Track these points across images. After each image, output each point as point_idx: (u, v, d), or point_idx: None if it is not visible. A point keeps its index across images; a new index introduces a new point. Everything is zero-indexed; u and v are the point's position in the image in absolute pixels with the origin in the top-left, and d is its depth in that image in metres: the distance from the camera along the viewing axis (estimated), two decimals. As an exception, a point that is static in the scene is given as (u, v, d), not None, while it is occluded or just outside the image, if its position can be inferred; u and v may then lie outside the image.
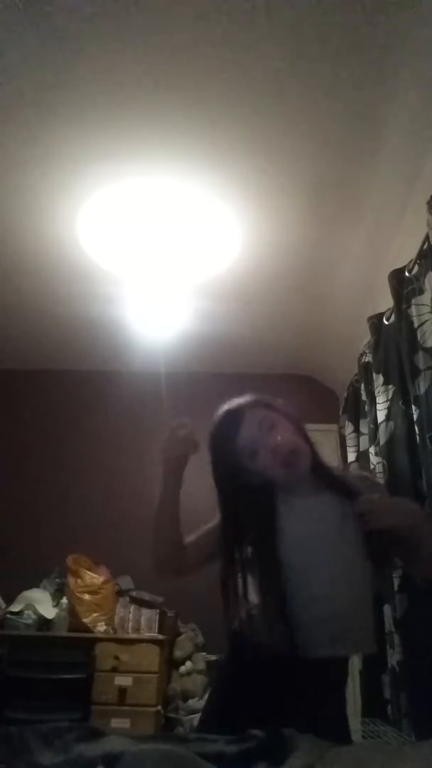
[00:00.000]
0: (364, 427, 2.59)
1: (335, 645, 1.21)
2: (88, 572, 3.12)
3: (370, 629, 1.28)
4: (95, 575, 3.12)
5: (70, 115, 1.97)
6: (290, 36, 1.68)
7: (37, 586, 3.21)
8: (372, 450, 2.34)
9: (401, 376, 1.97)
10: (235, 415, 1.31)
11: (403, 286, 1.94)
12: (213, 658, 2.97)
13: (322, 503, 1.29)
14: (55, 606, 3.10)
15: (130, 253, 2.69)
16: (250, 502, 1.28)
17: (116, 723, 2.61)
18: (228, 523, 1.31)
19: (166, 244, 2.62)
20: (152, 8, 1.62)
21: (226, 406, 1.35)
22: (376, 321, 2.32)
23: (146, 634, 2.93)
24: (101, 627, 2.95)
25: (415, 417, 1.82)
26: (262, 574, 1.25)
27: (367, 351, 2.51)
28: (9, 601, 3.11)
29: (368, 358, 2.47)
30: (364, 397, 2.53)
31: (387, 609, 2.05)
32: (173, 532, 1.35)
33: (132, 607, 3.06)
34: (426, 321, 1.76)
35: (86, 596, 3.01)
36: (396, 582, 1.90)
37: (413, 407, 1.84)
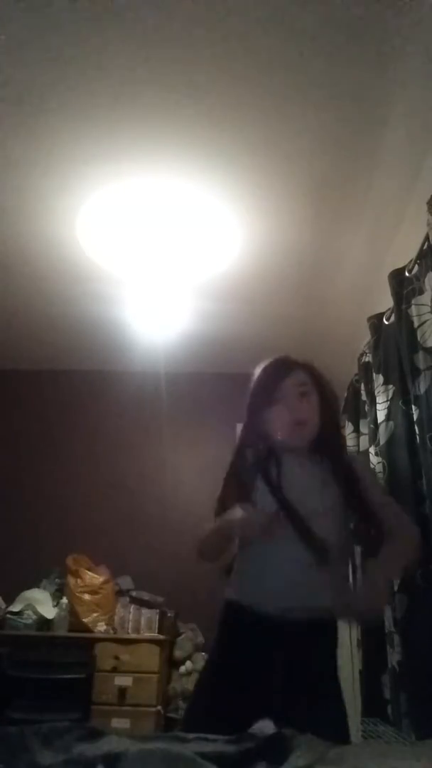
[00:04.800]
0: (364, 427, 2.58)
1: (297, 595, 1.28)
2: (88, 572, 3.12)
3: (347, 591, 1.40)
4: (95, 575, 3.12)
5: (70, 115, 1.97)
6: (290, 36, 1.68)
7: (37, 586, 3.21)
8: (372, 450, 2.33)
9: (401, 376, 1.97)
10: (285, 367, 1.47)
11: (403, 286, 1.94)
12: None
13: (312, 469, 1.40)
14: (55, 606, 3.10)
15: (130, 253, 2.69)
16: (255, 446, 1.43)
17: (116, 723, 2.62)
18: (237, 461, 1.44)
19: (166, 244, 2.62)
20: (153, 9, 1.62)
21: (284, 356, 1.52)
22: (376, 321, 2.32)
23: (146, 634, 2.93)
24: (101, 627, 2.95)
25: (415, 417, 1.82)
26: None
27: (367, 351, 2.51)
28: (9, 601, 3.11)
29: (368, 358, 2.46)
30: (364, 397, 2.53)
31: (387, 609, 2.05)
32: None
33: (132, 607, 3.06)
34: (426, 321, 1.76)
35: (86, 596, 3.01)
36: (396, 582, 1.90)
37: (413, 407, 1.84)
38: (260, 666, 1.23)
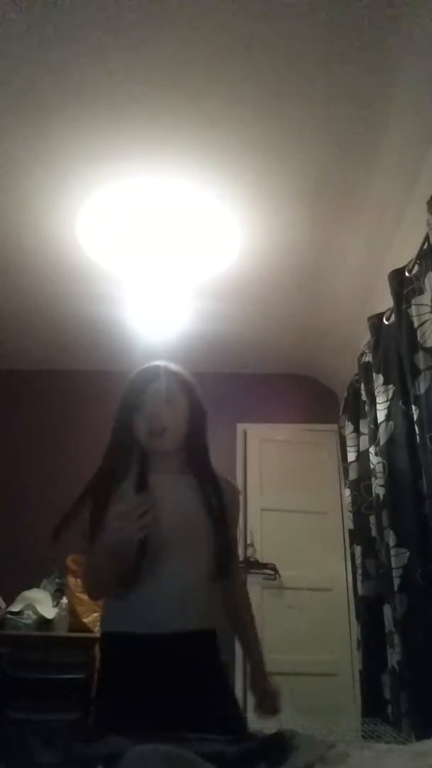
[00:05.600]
0: (364, 427, 2.59)
1: (185, 619, 1.26)
2: (88, 572, 3.12)
3: (215, 606, 1.36)
4: (95, 575, 3.12)
5: (70, 115, 1.97)
6: (290, 36, 1.68)
7: (37, 586, 3.21)
8: (372, 450, 2.34)
9: (401, 376, 1.97)
10: (153, 373, 1.44)
11: (403, 286, 1.94)
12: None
13: (182, 483, 1.38)
14: (55, 606, 3.09)
15: (130, 253, 2.69)
16: (125, 457, 1.39)
17: (116, 723, 2.61)
18: (102, 472, 1.43)
19: (166, 244, 2.62)
20: (152, 9, 1.62)
21: (154, 363, 1.47)
22: (376, 321, 2.32)
23: (146, 634, 2.93)
24: (101, 627, 2.94)
25: (415, 417, 1.82)
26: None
27: (367, 351, 2.51)
28: (9, 601, 3.11)
29: (368, 358, 2.47)
30: (364, 397, 2.53)
31: (387, 609, 2.05)
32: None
33: (132, 607, 3.05)
34: (426, 321, 1.76)
35: (86, 596, 3.01)
36: (396, 582, 1.90)
37: (413, 407, 1.84)
38: (147, 690, 1.20)
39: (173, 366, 1.47)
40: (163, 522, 1.25)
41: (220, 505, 1.37)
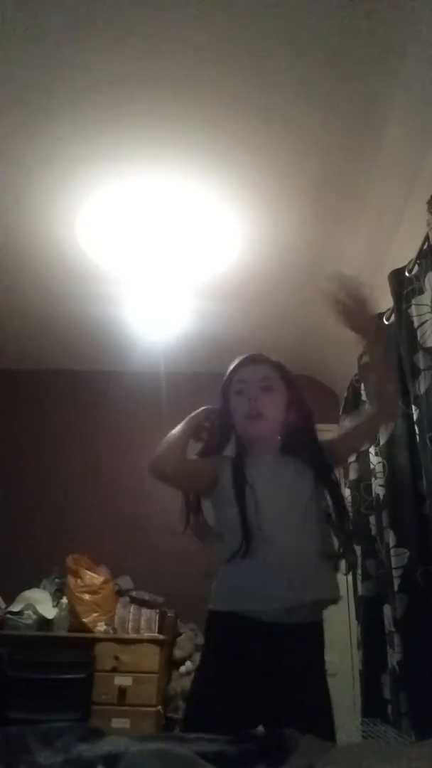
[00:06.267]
0: (364, 427, 2.58)
1: (298, 592, 1.26)
2: (88, 572, 3.12)
3: (329, 578, 1.35)
4: (95, 575, 3.12)
5: (70, 115, 1.97)
6: (290, 36, 1.68)
7: (37, 586, 3.21)
8: (372, 450, 2.34)
9: (401, 376, 1.97)
10: (251, 359, 1.50)
11: (403, 286, 1.94)
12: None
13: (281, 463, 1.40)
14: (55, 606, 3.09)
15: (130, 253, 2.69)
16: (222, 442, 1.45)
17: (116, 723, 2.61)
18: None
19: (166, 244, 2.62)
20: (152, 8, 1.62)
21: (254, 353, 1.54)
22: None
23: (146, 634, 2.93)
24: (101, 627, 2.94)
25: (415, 417, 1.82)
26: (223, 519, 1.37)
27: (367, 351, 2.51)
28: (9, 601, 3.11)
29: (368, 358, 2.46)
30: (364, 397, 2.53)
31: (387, 609, 2.05)
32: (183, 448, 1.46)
33: (132, 607, 3.06)
34: (426, 321, 1.76)
35: (86, 596, 3.01)
36: (396, 582, 1.90)
37: (413, 407, 1.84)
38: (255, 675, 1.21)
39: (272, 357, 1.53)
40: (264, 501, 1.30)
41: (327, 474, 1.40)
